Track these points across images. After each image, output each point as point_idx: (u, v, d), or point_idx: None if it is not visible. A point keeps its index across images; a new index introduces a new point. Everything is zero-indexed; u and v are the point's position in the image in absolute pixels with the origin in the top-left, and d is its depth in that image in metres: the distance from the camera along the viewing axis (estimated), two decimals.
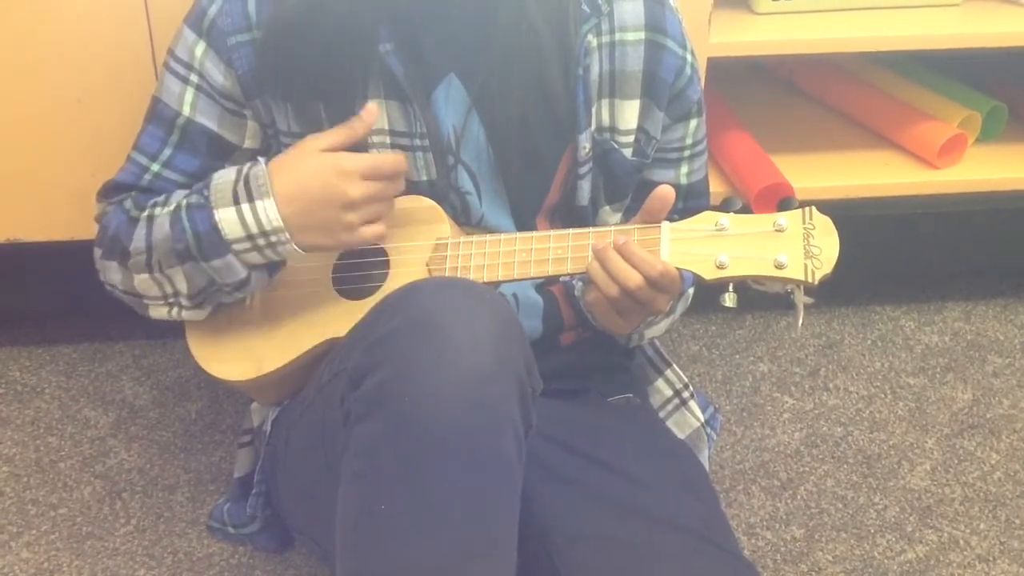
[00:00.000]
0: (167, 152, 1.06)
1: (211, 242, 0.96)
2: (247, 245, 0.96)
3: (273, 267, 1.01)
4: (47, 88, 1.32)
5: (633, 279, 0.91)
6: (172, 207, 0.99)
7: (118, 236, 1.03)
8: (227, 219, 0.96)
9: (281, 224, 0.95)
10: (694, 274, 0.92)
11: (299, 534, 1.14)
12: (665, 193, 0.93)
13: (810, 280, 0.88)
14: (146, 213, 1.02)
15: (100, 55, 1.31)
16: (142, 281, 1.02)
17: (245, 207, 0.95)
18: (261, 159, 0.98)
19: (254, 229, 0.95)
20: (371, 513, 0.83)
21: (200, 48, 1.03)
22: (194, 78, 1.04)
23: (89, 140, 1.34)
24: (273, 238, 0.96)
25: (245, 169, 0.97)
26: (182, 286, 1.01)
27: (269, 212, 0.95)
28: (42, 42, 1.30)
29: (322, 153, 0.96)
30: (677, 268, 0.92)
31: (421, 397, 0.81)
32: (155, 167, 1.06)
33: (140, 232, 1.01)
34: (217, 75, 1.03)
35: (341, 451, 0.87)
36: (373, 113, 0.98)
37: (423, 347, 0.82)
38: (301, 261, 1.01)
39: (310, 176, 0.95)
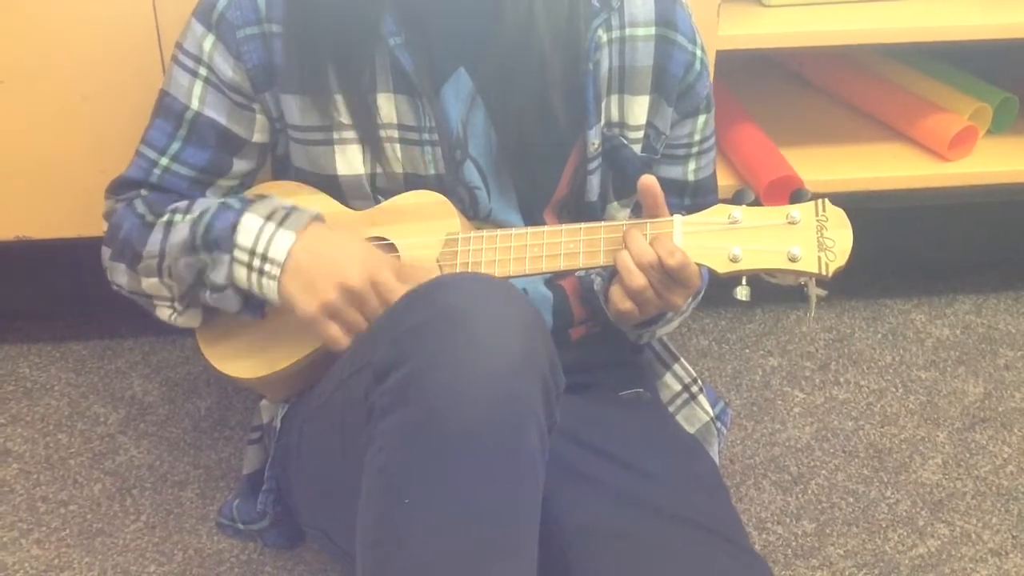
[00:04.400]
0: (175, 146, 1.06)
1: (220, 237, 0.96)
2: (245, 257, 0.96)
3: (250, 305, 1.00)
4: (54, 85, 1.32)
5: (653, 257, 0.92)
6: (196, 215, 0.99)
7: (129, 240, 1.02)
8: (248, 224, 0.96)
9: (281, 259, 0.94)
10: (707, 268, 0.91)
11: (311, 530, 1.13)
12: (649, 183, 0.93)
13: (824, 273, 0.88)
14: (165, 219, 1.01)
15: (107, 51, 1.30)
16: (151, 284, 1.02)
17: (269, 226, 0.95)
18: (321, 212, 0.99)
19: (260, 248, 0.95)
20: (394, 507, 0.83)
21: (209, 41, 1.03)
22: (203, 71, 1.03)
23: (96, 137, 1.34)
24: (267, 267, 0.95)
25: (300, 205, 0.98)
26: (177, 283, 1.01)
27: (281, 243, 0.94)
28: (48, 39, 1.29)
29: (366, 243, 0.96)
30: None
31: (447, 391, 0.80)
32: (164, 161, 1.06)
33: (156, 237, 1.01)
34: (226, 68, 1.03)
35: (364, 445, 0.86)
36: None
37: (450, 341, 0.81)
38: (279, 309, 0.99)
39: (338, 246, 0.95)
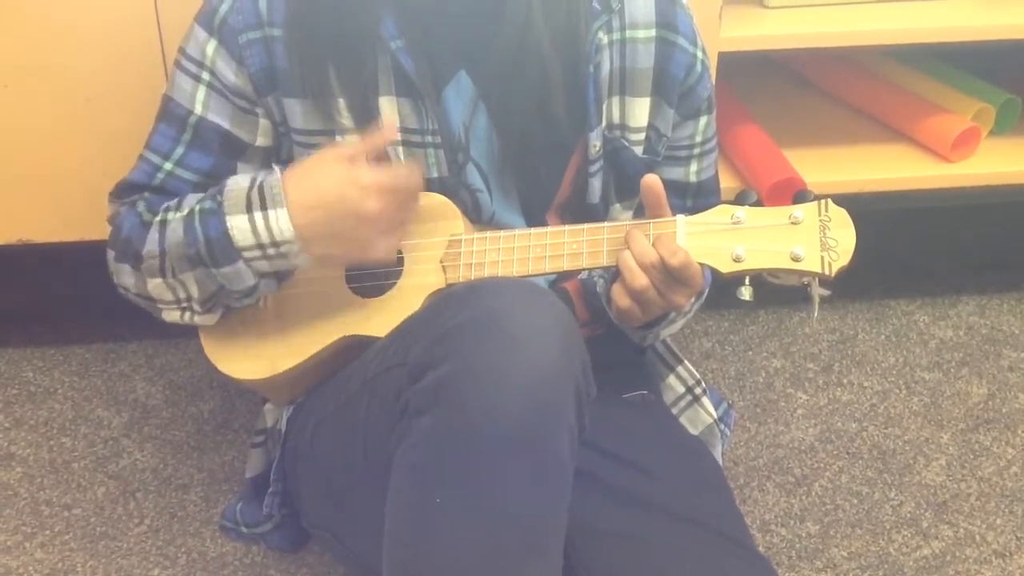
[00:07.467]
0: (179, 151, 1.06)
1: (222, 249, 0.96)
2: (257, 253, 0.96)
3: (282, 274, 1.01)
4: (56, 89, 1.32)
5: (655, 257, 0.92)
6: (185, 212, 0.99)
7: (131, 239, 1.02)
8: (238, 227, 0.95)
9: (292, 236, 0.94)
10: (710, 268, 0.91)
11: (318, 531, 1.13)
12: (652, 181, 0.93)
13: (827, 272, 0.88)
14: (159, 218, 1.01)
15: (109, 54, 1.31)
16: (156, 286, 1.02)
17: (258, 215, 0.95)
18: (276, 167, 0.97)
19: (265, 239, 0.95)
20: (426, 505, 0.83)
21: (211, 46, 1.03)
22: (206, 76, 1.04)
23: (99, 140, 1.34)
24: (284, 248, 0.95)
25: (260, 177, 0.97)
26: (194, 291, 1.00)
27: (281, 222, 0.94)
28: (51, 42, 1.30)
29: (341, 163, 0.95)
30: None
31: (485, 393, 0.81)
32: (168, 166, 1.06)
33: (153, 236, 1.00)
34: (229, 73, 1.03)
35: (393, 443, 0.86)
36: (392, 126, 0.98)
37: (487, 344, 0.82)
38: (313, 269, 1.01)
39: (328, 187, 0.94)
